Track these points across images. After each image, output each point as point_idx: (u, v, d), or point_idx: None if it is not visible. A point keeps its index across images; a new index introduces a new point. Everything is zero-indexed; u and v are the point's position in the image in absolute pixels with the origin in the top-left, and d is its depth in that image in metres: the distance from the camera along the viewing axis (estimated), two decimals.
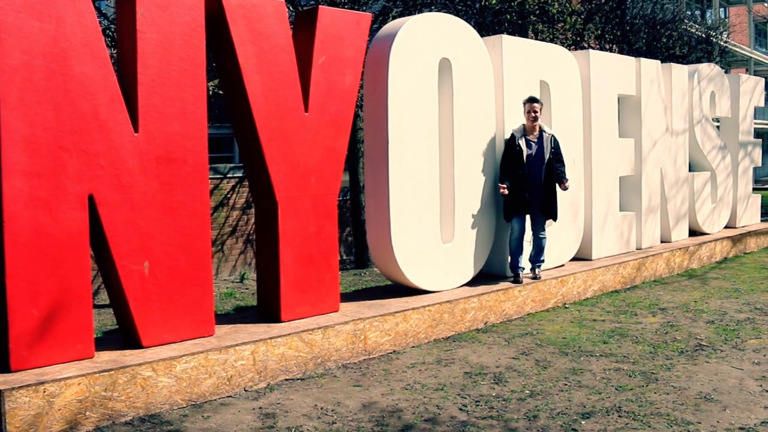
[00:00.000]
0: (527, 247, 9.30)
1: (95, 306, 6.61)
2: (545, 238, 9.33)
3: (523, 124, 9.05)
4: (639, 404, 5.87)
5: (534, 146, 8.99)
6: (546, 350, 7.48)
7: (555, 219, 9.29)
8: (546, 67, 9.89)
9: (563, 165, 9.27)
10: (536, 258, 9.38)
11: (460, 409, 5.85)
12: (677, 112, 12.56)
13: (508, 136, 9.24)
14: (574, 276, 9.81)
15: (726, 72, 16.41)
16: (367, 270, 12.29)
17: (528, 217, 9.09)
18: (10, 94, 5.52)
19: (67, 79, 5.80)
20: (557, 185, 9.16)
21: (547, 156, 9.02)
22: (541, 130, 9.08)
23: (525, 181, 8.89)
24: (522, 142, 8.93)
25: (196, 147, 6.56)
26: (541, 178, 9.02)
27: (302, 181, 7.28)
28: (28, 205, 5.61)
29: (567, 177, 9.25)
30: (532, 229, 9.23)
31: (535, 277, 9.31)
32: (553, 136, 9.16)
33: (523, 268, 9.17)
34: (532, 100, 9.00)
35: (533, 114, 8.93)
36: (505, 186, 8.84)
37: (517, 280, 9.08)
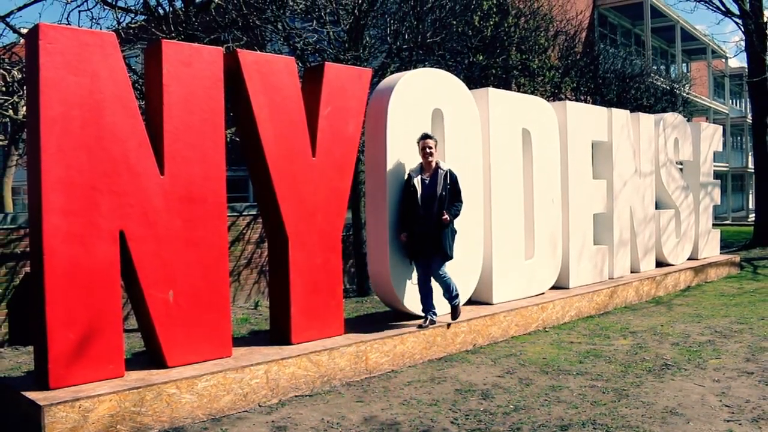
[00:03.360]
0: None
1: (125, 330, 6.61)
2: (446, 277, 8.03)
3: (420, 163, 8.03)
4: (612, 417, 5.87)
5: (428, 184, 7.90)
6: (528, 369, 7.48)
7: (445, 258, 7.96)
8: (527, 116, 9.97)
9: (460, 202, 8.05)
10: (450, 298, 8.14)
11: (452, 422, 5.84)
12: (645, 156, 12.65)
13: (494, 177, 9.30)
14: (553, 303, 9.82)
15: (688, 120, 16.49)
16: (368, 298, 12.27)
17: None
18: (50, 141, 5.59)
19: (101, 128, 5.87)
20: (452, 222, 7.99)
21: (439, 192, 7.85)
22: (437, 167, 7.95)
23: (421, 221, 7.86)
24: (417, 181, 7.90)
25: (215, 188, 6.61)
26: (433, 217, 7.86)
27: (310, 218, 7.33)
28: (65, 240, 5.66)
29: (457, 213, 8.02)
30: (429, 271, 8.05)
31: (421, 326, 7.94)
32: (449, 171, 7.97)
33: (434, 312, 8.11)
34: (424, 136, 7.94)
35: (427, 150, 7.86)
36: (404, 235, 7.95)
37: (423, 324, 7.97)
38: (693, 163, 14.71)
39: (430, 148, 7.87)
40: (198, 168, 6.48)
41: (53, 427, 5.19)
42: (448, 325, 8.16)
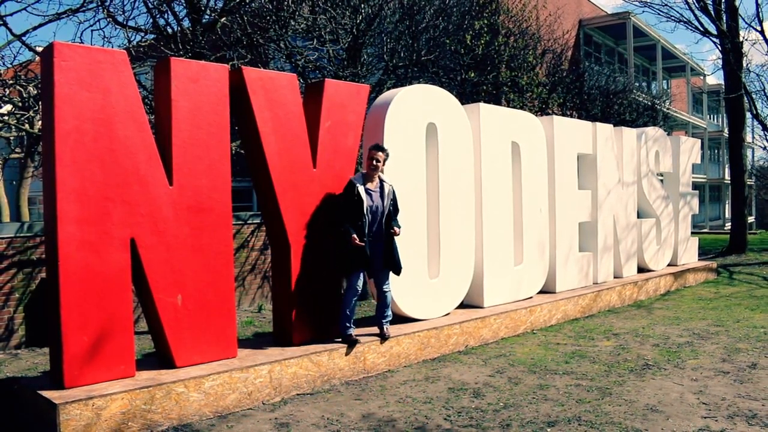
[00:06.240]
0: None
1: (136, 332, 6.61)
2: (389, 291, 7.73)
3: (362, 172, 7.56)
4: (596, 414, 5.89)
5: (375, 196, 7.44)
6: (517, 369, 7.49)
7: (398, 272, 7.64)
8: (516, 130, 10.00)
9: (396, 216, 7.63)
10: (382, 314, 7.70)
11: (445, 419, 5.85)
12: (627, 167, 12.68)
13: (484, 188, 9.32)
14: (540, 306, 9.83)
15: (668, 134, 16.56)
16: (366, 301, 12.26)
17: (366, 272, 7.55)
18: (64, 153, 5.61)
19: (112, 141, 5.88)
20: (394, 235, 7.53)
21: (386, 206, 7.47)
22: (381, 180, 7.54)
23: (365, 232, 7.31)
24: (362, 191, 7.33)
25: (221, 198, 6.62)
26: (382, 230, 7.49)
27: (311, 226, 7.34)
28: (79, 248, 5.67)
29: (399, 225, 7.56)
30: (376, 284, 7.71)
31: (384, 336, 7.61)
32: (392, 187, 7.61)
33: (352, 327, 7.45)
34: (376, 147, 7.49)
35: (374, 162, 7.40)
36: (354, 235, 7.19)
37: (348, 339, 7.33)
38: (673, 175, 14.74)
39: (378, 161, 7.43)
40: (205, 179, 6.50)
41: (68, 424, 5.20)
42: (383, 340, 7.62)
